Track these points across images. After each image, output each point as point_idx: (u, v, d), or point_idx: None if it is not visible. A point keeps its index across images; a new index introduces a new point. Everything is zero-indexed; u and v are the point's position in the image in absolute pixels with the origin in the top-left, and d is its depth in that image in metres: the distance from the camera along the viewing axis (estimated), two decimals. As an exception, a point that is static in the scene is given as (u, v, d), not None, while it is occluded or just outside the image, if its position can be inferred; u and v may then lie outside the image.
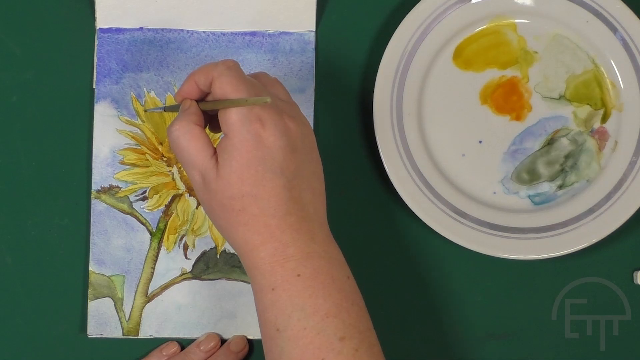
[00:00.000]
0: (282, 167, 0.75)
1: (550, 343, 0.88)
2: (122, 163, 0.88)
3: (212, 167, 0.75)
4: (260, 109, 0.74)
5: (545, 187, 0.88)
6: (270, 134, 0.74)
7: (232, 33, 0.89)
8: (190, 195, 0.88)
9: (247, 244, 0.75)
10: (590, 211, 0.87)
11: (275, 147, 0.74)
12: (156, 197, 0.88)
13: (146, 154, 0.88)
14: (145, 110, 0.87)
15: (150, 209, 0.88)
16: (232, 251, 0.88)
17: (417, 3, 0.87)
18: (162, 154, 0.88)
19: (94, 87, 0.88)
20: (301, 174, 0.76)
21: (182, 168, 0.88)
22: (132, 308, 0.87)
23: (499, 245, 0.87)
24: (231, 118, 0.74)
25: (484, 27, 0.88)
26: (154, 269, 0.88)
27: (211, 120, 0.79)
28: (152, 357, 0.87)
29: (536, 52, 0.88)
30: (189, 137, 0.75)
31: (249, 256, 0.75)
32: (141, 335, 0.87)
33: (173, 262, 0.88)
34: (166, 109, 0.82)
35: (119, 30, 0.88)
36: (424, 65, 0.88)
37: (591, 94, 0.88)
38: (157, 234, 0.88)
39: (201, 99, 0.78)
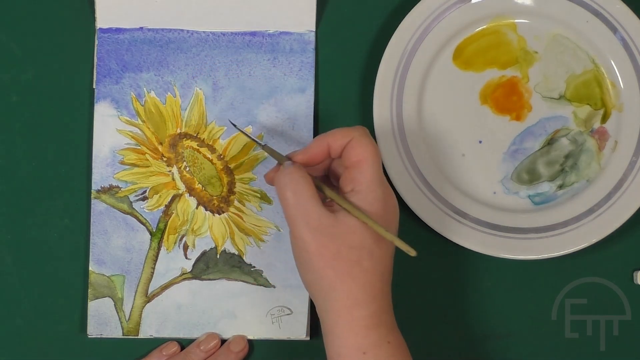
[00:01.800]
0: (394, 223, 0.78)
1: (550, 343, 0.88)
2: (122, 163, 0.88)
3: (328, 213, 0.75)
4: (384, 178, 0.78)
5: (545, 187, 0.88)
6: (392, 203, 0.78)
7: (232, 33, 0.89)
8: (190, 195, 0.88)
9: (349, 299, 0.75)
10: (590, 211, 0.87)
11: (392, 215, 0.78)
12: (156, 197, 0.88)
13: (146, 154, 0.88)
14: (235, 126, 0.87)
15: (150, 209, 0.88)
16: (232, 251, 0.88)
17: (417, 3, 0.87)
18: (162, 154, 0.88)
19: (94, 87, 0.88)
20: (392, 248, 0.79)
21: (182, 168, 0.88)
22: (132, 308, 0.87)
23: (499, 245, 0.87)
24: (368, 177, 0.77)
25: (484, 27, 0.88)
26: (154, 269, 0.88)
27: None
28: (152, 357, 0.87)
29: (536, 52, 0.88)
30: (303, 181, 0.76)
31: (347, 312, 0.75)
32: (141, 335, 0.87)
33: (173, 262, 0.88)
34: (266, 147, 0.83)
35: (119, 30, 0.88)
36: (424, 65, 0.88)
37: (591, 94, 0.88)
38: (157, 234, 0.88)
39: (322, 161, 0.80)
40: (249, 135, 0.85)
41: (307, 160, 0.79)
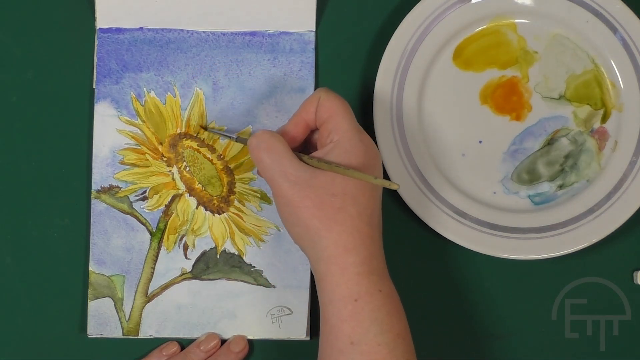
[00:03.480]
0: (376, 169, 0.78)
1: (550, 343, 0.88)
2: (122, 163, 0.88)
3: (305, 167, 0.76)
4: (361, 128, 0.79)
5: (545, 187, 0.88)
6: (373, 150, 0.78)
7: (232, 33, 0.89)
8: (190, 195, 0.88)
9: (338, 247, 0.75)
10: (590, 211, 0.87)
11: (373, 163, 0.78)
12: (156, 197, 0.88)
13: (146, 154, 0.88)
14: (205, 128, 0.87)
15: (150, 209, 0.88)
16: (232, 251, 0.88)
17: (417, 3, 0.87)
18: (162, 154, 0.88)
19: (94, 87, 0.88)
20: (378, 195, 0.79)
21: (182, 168, 0.88)
22: (132, 308, 0.87)
23: (499, 245, 0.87)
24: (344, 126, 0.78)
25: (484, 27, 0.88)
26: (154, 269, 0.88)
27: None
28: (152, 357, 0.87)
29: (536, 52, 0.88)
30: (274, 140, 0.77)
31: (337, 260, 0.75)
32: (141, 335, 0.87)
33: (173, 262, 0.88)
34: (238, 139, 0.84)
35: (119, 30, 0.88)
36: (424, 65, 0.88)
37: (591, 94, 0.88)
38: (157, 234, 0.88)
39: (303, 139, 0.81)
40: (223, 133, 0.86)
41: (288, 139, 0.80)
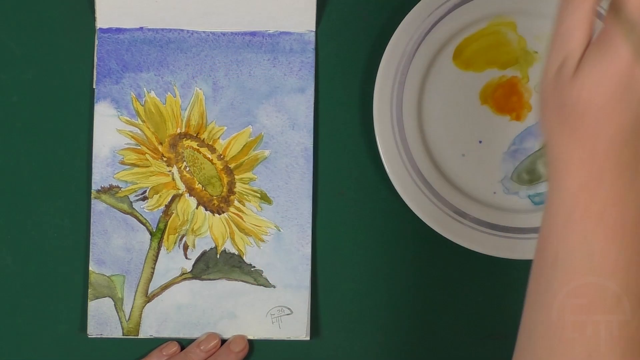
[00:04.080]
0: (637, 115, 0.65)
1: (550, 343, 0.88)
2: (122, 163, 0.88)
3: (577, 59, 0.65)
4: None
5: (545, 187, 0.88)
6: None
7: (232, 33, 0.89)
8: (190, 195, 0.88)
9: (567, 157, 0.66)
10: (590, 211, 0.87)
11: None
12: (156, 197, 0.88)
13: (146, 154, 0.88)
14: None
15: (150, 209, 0.88)
16: (232, 251, 0.88)
17: (417, 3, 0.87)
18: (162, 154, 0.88)
19: (94, 87, 0.88)
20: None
21: (181, 168, 0.88)
22: (132, 308, 0.87)
23: (499, 245, 0.87)
24: (623, 40, 0.64)
25: (484, 27, 0.88)
26: (154, 269, 0.88)
27: None
28: (152, 357, 0.87)
29: (536, 52, 0.88)
30: (579, 3, 0.65)
31: (564, 169, 0.66)
32: (141, 335, 0.87)
33: (173, 262, 0.88)
34: None
35: (119, 30, 0.88)
36: (424, 65, 0.88)
37: (591, 94, 0.88)
38: (157, 234, 0.88)
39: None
40: None
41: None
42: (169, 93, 0.89)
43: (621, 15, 0.65)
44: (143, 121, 0.88)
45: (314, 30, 0.89)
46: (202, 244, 0.88)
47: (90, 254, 0.87)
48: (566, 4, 0.66)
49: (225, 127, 0.88)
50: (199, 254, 0.88)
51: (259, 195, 0.88)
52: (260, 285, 0.88)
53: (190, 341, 0.87)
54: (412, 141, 0.88)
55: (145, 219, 0.88)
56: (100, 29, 0.88)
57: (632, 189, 0.66)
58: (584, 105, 0.65)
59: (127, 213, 0.88)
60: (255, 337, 0.88)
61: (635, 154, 0.67)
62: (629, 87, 0.65)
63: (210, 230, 0.88)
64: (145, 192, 0.88)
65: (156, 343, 0.88)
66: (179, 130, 0.88)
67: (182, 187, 0.88)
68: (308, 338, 0.88)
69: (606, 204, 0.66)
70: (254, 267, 0.88)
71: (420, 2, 0.87)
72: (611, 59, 0.65)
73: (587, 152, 0.66)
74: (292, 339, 0.87)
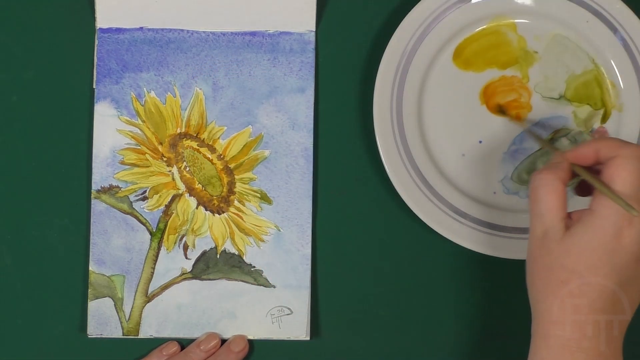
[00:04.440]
0: (621, 271, 0.73)
1: (550, 343, 0.88)
2: (122, 163, 0.88)
3: (560, 228, 0.73)
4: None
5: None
6: (630, 237, 0.72)
7: (232, 33, 0.89)
8: (190, 195, 0.88)
9: (551, 315, 0.73)
10: (590, 211, 0.87)
11: (627, 250, 0.73)
12: (156, 197, 0.88)
13: (146, 154, 0.88)
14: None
15: (150, 209, 0.88)
16: (232, 251, 0.88)
17: (417, 3, 0.87)
18: (162, 154, 0.88)
19: (94, 87, 0.88)
20: (633, 285, 0.74)
21: (182, 168, 0.88)
22: (132, 308, 0.87)
23: (499, 245, 0.87)
24: (605, 203, 0.72)
25: (484, 27, 0.88)
26: (154, 269, 0.88)
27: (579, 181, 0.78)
28: (152, 357, 0.87)
29: (536, 52, 0.88)
30: (550, 189, 0.74)
31: (543, 328, 0.74)
32: (141, 335, 0.87)
33: (173, 262, 0.88)
34: (543, 143, 0.83)
35: (119, 30, 0.88)
36: (424, 65, 0.88)
37: (591, 94, 0.88)
38: (157, 234, 0.88)
39: (589, 165, 0.76)
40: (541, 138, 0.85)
41: (572, 159, 0.75)
42: (169, 93, 0.89)
43: (609, 189, 0.72)
44: (143, 121, 0.88)
45: (314, 30, 0.89)
46: (202, 244, 0.88)
47: (90, 254, 0.87)
48: (538, 188, 0.74)
49: (225, 127, 0.88)
50: (199, 254, 0.88)
51: (259, 195, 0.88)
52: (260, 285, 0.88)
53: (190, 341, 0.87)
54: (412, 141, 0.88)
55: (145, 219, 0.88)
56: (100, 29, 0.88)
57: (610, 347, 0.74)
58: (568, 271, 0.72)
59: (127, 213, 0.88)
60: (255, 337, 0.88)
61: (615, 313, 0.75)
62: (612, 256, 0.72)
63: (210, 230, 0.88)
64: (145, 192, 0.88)
65: (156, 343, 0.88)
66: (179, 130, 0.88)
67: (182, 187, 0.88)
68: (308, 338, 0.88)
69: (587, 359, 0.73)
70: (254, 267, 0.88)
71: (420, 2, 0.87)
72: (596, 232, 0.72)
73: (570, 312, 0.73)
74: (292, 339, 0.87)
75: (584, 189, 0.78)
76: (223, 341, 0.87)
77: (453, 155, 0.88)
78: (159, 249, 0.88)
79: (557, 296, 0.73)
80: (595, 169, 0.76)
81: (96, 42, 0.89)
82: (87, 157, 0.88)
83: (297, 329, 0.87)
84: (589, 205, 0.74)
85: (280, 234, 0.88)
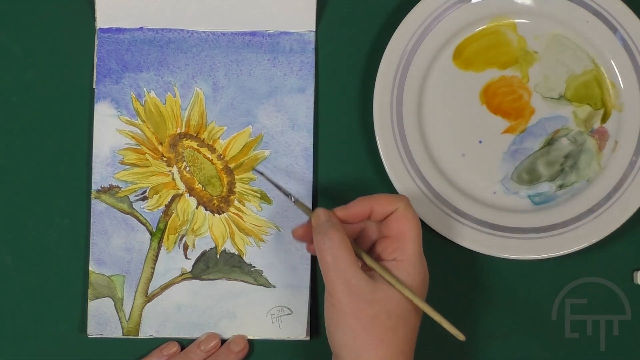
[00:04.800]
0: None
1: (550, 343, 0.88)
2: (122, 163, 0.88)
3: (367, 279, 0.76)
4: (420, 248, 0.79)
5: (545, 187, 0.88)
6: (427, 271, 0.79)
7: (232, 33, 0.89)
8: (190, 195, 0.88)
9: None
10: (590, 211, 0.87)
11: (427, 283, 0.79)
12: (156, 197, 0.88)
13: (146, 154, 0.88)
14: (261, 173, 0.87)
15: (150, 209, 0.88)
16: (232, 251, 0.88)
17: (417, 3, 0.87)
18: (162, 154, 0.88)
19: (94, 87, 0.88)
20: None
21: (182, 168, 0.88)
22: (132, 308, 0.87)
23: (499, 245, 0.87)
24: (412, 250, 0.78)
25: (484, 27, 0.88)
26: (154, 269, 0.88)
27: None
28: (152, 357, 0.87)
29: (536, 52, 0.88)
30: (342, 247, 0.77)
31: None
32: (141, 335, 0.87)
33: (173, 262, 0.88)
34: (297, 202, 0.84)
35: (119, 30, 0.88)
36: (424, 65, 0.88)
37: (591, 94, 0.88)
38: (157, 234, 0.88)
39: (361, 221, 0.81)
40: (280, 186, 0.86)
41: (346, 218, 0.80)
42: (169, 93, 0.89)
43: (394, 278, 0.77)
44: (143, 121, 0.88)
45: (314, 30, 0.89)
46: (202, 244, 0.88)
47: (90, 254, 0.87)
48: (327, 250, 0.77)
49: (225, 127, 0.88)
50: (199, 254, 0.88)
51: (259, 195, 0.88)
52: (260, 285, 0.88)
53: (190, 341, 0.87)
54: (412, 141, 0.88)
55: (145, 219, 0.88)
56: (100, 29, 0.88)
57: None
58: (395, 317, 0.76)
59: (127, 213, 0.88)
60: (255, 337, 0.88)
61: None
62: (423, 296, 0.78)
63: (210, 230, 0.88)
64: (145, 192, 0.88)
65: (156, 343, 0.88)
66: (179, 130, 0.88)
67: (182, 187, 0.88)
68: (308, 338, 0.88)
69: None
70: (254, 267, 0.88)
71: (420, 2, 0.87)
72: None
73: (398, 353, 0.76)
74: (292, 339, 0.88)
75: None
76: (223, 341, 0.87)
77: (453, 155, 0.88)
78: (159, 249, 0.88)
79: (387, 342, 0.75)
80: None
81: (96, 42, 0.89)
82: (87, 157, 0.88)
83: (297, 329, 0.87)
84: (388, 255, 0.79)
85: (280, 234, 0.88)
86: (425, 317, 0.88)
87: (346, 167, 0.89)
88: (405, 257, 0.78)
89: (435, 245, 0.88)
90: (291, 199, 0.85)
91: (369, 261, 0.78)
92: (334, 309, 0.76)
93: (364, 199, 0.80)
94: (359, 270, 0.76)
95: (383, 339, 0.75)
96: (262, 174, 0.87)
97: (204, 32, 0.89)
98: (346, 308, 0.76)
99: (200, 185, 0.88)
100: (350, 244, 0.77)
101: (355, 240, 0.82)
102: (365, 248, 0.81)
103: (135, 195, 0.88)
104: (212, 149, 0.88)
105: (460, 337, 0.77)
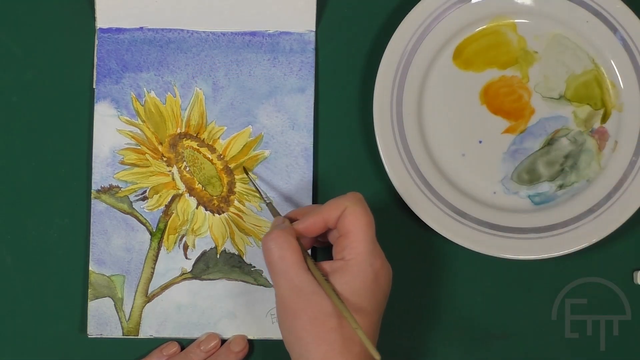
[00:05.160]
0: (380, 306, 0.78)
1: (550, 343, 0.88)
2: (122, 163, 0.88)
3: (311, 280, 0.76)
4: (378, 248, 0.78)
5: (545, 187, 0.88)
6: (383, 275, 0.78)
7: (232, 33, 0.89)
8: (190, 195, 0.88)
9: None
10: (590, 211, 0.87)
11: (383, 287, 0.78)
12: (156, 197, 0.88)
13: (146, 154, 0.88)
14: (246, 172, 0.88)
15: (150, 209, 0.88)
16: (232, 251, 0.88)
17: (417, 3, 0.87)
18: (162, 154, 0.88)
19: (94, 87, 0.88)
20: (380, 316, 0.79)
21: (182, 168, 0.88)
22: (132, 308, 0.87)
23: (499, 245, 0.87)
24: (359, 249, 0.77)
25: (484, 27, 0.88)
26: (154, 269, 0.88)
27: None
28: (152, 357, 0.87)
29: (536, 52, 0.88)
30: (286, 246, 0.77)
31: None
32: (141, 335, 0.87)
33: (173, 262, 0.88)
34: (269, 206, 0.85)
35: (119, 30, 0.88)
36: (424, 65, 0.88)
37: (591, 94, 0.88)
38: (157, 234, 0.88)
39: (320, 233, 0.81)
40: (258, 187, 0.86)
41: (303, 232, 0.80)
42: (169, 93, 0.89)
43: (340, 302, 0.77)
44: (143, 121, 0.88)
45: (314, 30, 0.89)
46: (202, 244, 0.88)
47: (90, 254, 0.87)
48: (272, 250, 0.77)
49: (225, 127, 0.88)
50: (199, 254, 0.88)
51: (259, 195, 0.88)
52: (260, 285, 0.88)
53: (190, 341, 0.87)
54: (412, 141, 0.88)
55: (145, 219, 0.88)
56: (100, 29, 0.88)
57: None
58: (337, 317, 0.76)
59: (127, 213, 0.88)
60: (255, 337, 0.88)
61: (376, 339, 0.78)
62: (374, 296, 0.77)
63: (210, 230, 0.88)
64: (145, 192, 0.88)
65: (156, 343, 0.88)
66: (179, 130, 0.88)
67: (182, 187, 0.88)
68: (308, 338, 0.88)
69: None
70: (254, 267, 0.88)
71: (420, 2, 0.87)
72: (356, 277, 0.77)
73: (342, 353, 0.76)
74: (292, 339, 0.87)
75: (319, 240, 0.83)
76: (223, 341, 0.87)
77: (453, 155, 0.88)
78: (159, 249, 0.88)
79: (328, 342, 0.75)
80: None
81: (96, 42, 0.89)
82: (87, 157, 0.88)
83: (297, 329, 0.87)
84: (337, 254, 0.78)
85: (280, 234, 0.88)
86: (424, 318, 0.88)
87: (346, 167, 0.89)
88: (353, 255, 0.77)
89: (435, 245, 0.88)
90: (265, 201, 0.85)
91: (309, 263, 0.78)
92: (281, 309, 0.77)
93: (316, 210, 0.80)
94: (302, 269, 0.77)
95: (324, 338, 0.75)
96: (247, 172, 0.87)
97: (204, 32, 0.89)
98: (289, 307, 0.76)
99: (200, 185, 0.88)
100: (297, 245, 0.78)
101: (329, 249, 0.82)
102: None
103: (135, 195, 0.88)
104: (212, 149, 0.88)
105: (377, 356, 0.75)
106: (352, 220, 0.78)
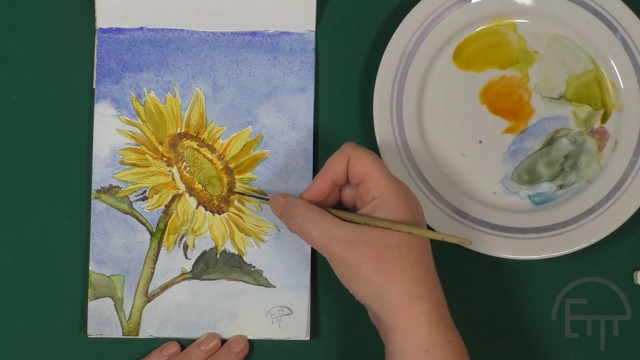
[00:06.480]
0: (424, 219, 0.79)
1: (550, 343, 0.88)
2: (122, 163, 0.88)
3: (353, 226, 0.76)
4: (394, 175, 0.78)
5: (545, 187, 0.88)
6: (411, 192, 0.78)
7: (232, 33, 0.89)
8: (190, 195, 0.88)
9: (404, 296, 0.75)
10: (590, 211, 0.87)
11: (417, 202, 0.78)
12: (156, 197, 0.88)
13: (146, 154, 0.88)
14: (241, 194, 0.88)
15: (150, 209, 0.88)
16: (232, 251, 0.88)
17: (417, 3, 0.87)
18: (162, 154, 0.88)
19: (94, 87, 0.88)
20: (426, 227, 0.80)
21: (182, 168, 0.88)
22: (132, 308, 0.87)
23: (499, 245, 0.87)
24: (383, 182, 0.77)
25: (484, 27, 0.89)
26: (154, 269, 0.88)
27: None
28: (152, 357, 0.87)
29: (536, 52, 0.88)
30: (312, 212, 0.77)
31: (405, 310, 0.74)
32: (141, 335, 0.87)
33: (173, 262, 0.88)
34: (257, 197, 0.86)
35: (119, 30, 0.88)
36: (424, 65, 0.88)
37: (591, 94, 0.88)
38: (157, 234, 0.88)
39: (329, 195, 0.80)
40: (245, 192, 0.87)
41: (313, 197, 0.79)
42: (169, 93, 0.89)
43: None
44: (143, 121, 0.88)
45: (314, 30, 0.89)
46: (202, 244, 0.88)
47: (90, 254, 0.87)
48: (303, 220, 0.77)
49: (225, 127, 0.88)
50: (199, 254, 0.88)
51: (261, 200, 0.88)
52: (260, 285, 0.88)
53: (190, 341, 0.87)
54: (412, 141, 0.88)
55: (145, 219, 0.88)
56: (100, 29, 0.88)
57: (439, 291, 0.77)
58: (393, 248, 0.75)
59: (127, 213, 0.88)
60: (255, 337, 0.88)
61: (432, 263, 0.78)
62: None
63: (210, 230, 0.88)
64: (145, 192, 0.88)
65: (156, 343, 0.88)
66: (179, 130, 0.88)
67: (182, 187, 0.88)
68: (308, 338, 0.88)
69: (447, 327, 0.76)
70: (254, 267, 0.88)
71: (420, 2, 0.87)
72: (395, 210, 0.77)
73: (411, 281, 0.75)
74: (292, 339, 0.87)
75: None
76: (223, 341, 0.87)
77: (453, 155, 0.88)
78: (159, 249, 0.88)
79: (401, 273, 0.75)
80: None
81: (96, 42, 0.89)
82: (87, 157, 0.88)
83: (297, 329, 0.87)
84: (364, 201, 0.78)
85: (280, 234, 0.88)
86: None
87: (346, 167, 0.89)
88: (381, 191, 0.77)
89: (436, 245, 0.88)
90: (264, 199, 0.86)
91: (346, 215, 0.78)
92: (339, 267, 0.76)
93: (319, 173, 0.80)
94: (339, 221, 0.76)
95: (394, 270, 0.75)
96: (242, 194, 0.88)
97: (204, 32, 0.89)
98: (347, 260, 0.75)
99: (200, 185, 0.88)
100: (316, 207, 0.78)
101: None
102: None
103: (135, 195, 0.88)
104: (212, 149, 0.88)
105: (466, 242, 0.76)
106: (363, 164, 0.78)
